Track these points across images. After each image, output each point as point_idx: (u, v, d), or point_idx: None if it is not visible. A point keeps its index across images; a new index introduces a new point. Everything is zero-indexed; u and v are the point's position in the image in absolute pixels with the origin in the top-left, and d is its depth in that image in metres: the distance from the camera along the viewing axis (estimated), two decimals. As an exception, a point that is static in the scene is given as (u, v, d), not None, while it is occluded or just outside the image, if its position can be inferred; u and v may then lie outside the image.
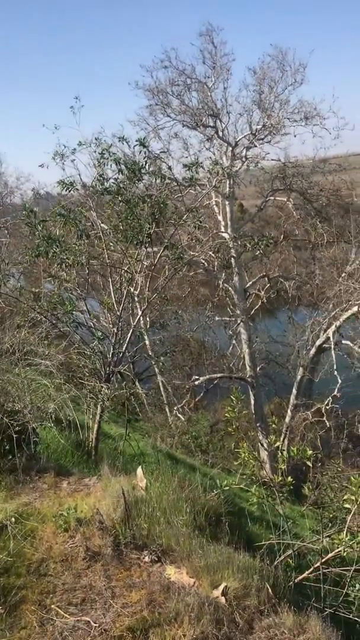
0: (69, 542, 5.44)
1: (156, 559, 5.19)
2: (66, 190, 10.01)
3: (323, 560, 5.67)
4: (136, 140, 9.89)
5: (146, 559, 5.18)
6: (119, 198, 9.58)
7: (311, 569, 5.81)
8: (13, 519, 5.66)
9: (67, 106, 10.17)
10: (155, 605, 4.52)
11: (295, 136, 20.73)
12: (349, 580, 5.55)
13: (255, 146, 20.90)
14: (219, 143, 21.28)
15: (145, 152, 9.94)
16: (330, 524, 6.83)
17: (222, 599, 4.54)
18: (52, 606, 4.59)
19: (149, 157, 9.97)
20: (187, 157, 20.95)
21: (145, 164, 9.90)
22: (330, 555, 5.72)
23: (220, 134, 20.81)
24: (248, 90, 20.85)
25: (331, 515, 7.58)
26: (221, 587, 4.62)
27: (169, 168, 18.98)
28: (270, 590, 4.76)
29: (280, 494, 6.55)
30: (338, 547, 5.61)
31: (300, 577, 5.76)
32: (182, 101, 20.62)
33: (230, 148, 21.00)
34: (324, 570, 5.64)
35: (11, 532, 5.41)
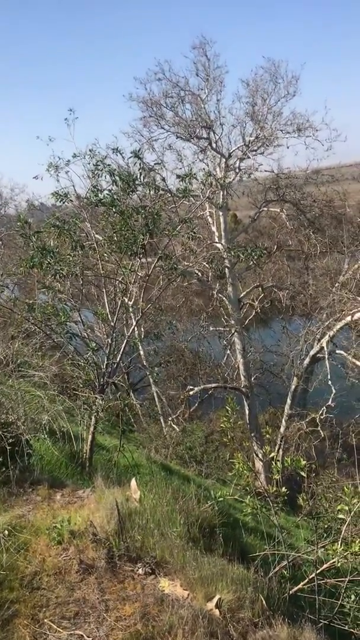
0: (63, 554, 5.41)
1: (150, 571, 5.16)
2: (60, 202, 10.05)
3: (318, 571, 5.65)
4: (131, 152, 9.96)
5: (140, 571, 5.15)
6: (113, 209, 9.61)
7: (306, 580, 5.79)
8: (6, 532, 5.62)
9: (61, 117, 10.26)
10: (149, 619, 4.49)
11: (288, 148, 20.92)
12: (343, 591, 5.54)
13: (249, 157, 21.09)
14: (213, 154, 21.44)
15: (139, 164, 10.00)
16: (325, 535, 6.81)
17: (216, 612, 4.53)
18: (45, 620, 4.55)
19: (143, 169, 10.01)
20: (181, 168, 21.04)
21: (140, 176, 9.95)
22: (325, 566, 5.71)
23: (214, 145, 20.97)
24: (241, 102, 21.12)
25: (326, 526, 7.56)
26: (215, 600, 4.60)
27: (163, 179, 19.05)
28: (264, 602, 4.74)
29: (275, 505, 6.54)
30: (333, 558, 5.61)
31: (295, 589, 5.75)
32: (176, 113, 20.80)
33: (224, 159, 21.15)
34: (319, 582, 5.62)
35: (4, 545, 5.37)
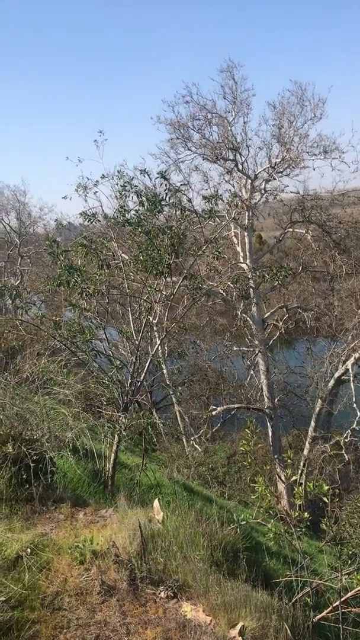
0: (84, 575, 5.38)
1: (172, 594, 5.10)
2: (88, 221, 10.18)
3: (342, 599, 5.52)
4: (157, 173, 10.07)
5: (162, 594, 5.10)
6: (140, 229, 9.70)
7: (330, 608, 5.65)
8: (29, 550, 5.63)
9: (90, 139, 10.45)
10: (170, 644, 4.43)
11: (314, 169, 20.92)
12: (369, 621, 5.40)
13: (275, 179, 21.13)
14: (239, 176, 21.55)
15: (165, 185, 10.10)
16: (349, 561, 6.66)
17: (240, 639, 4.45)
18: (66, 642, 4.52)
19: (169, 190, 10.11)
20: (207, 189, 21.27)
21: (166, 196, 10.04)
22: (349, 594, 5.57)
23: (240, 167, 21.08)
24: (268, 124, 21.25)
25: (350, 552, 7.40)
26: (238, 627, 4.52)
27: (189, 200, 19.20)
28: (289, 631, 4.65)
29: (298, 529, 6.43)
30: (357, 586, 5.47)
31: (319, 617, 5.61)
32: (203, 135, 20.99)
33: (250, 181, 21.24)
34: (344, 610, 5.49)
35: (26, 564, 5.37)
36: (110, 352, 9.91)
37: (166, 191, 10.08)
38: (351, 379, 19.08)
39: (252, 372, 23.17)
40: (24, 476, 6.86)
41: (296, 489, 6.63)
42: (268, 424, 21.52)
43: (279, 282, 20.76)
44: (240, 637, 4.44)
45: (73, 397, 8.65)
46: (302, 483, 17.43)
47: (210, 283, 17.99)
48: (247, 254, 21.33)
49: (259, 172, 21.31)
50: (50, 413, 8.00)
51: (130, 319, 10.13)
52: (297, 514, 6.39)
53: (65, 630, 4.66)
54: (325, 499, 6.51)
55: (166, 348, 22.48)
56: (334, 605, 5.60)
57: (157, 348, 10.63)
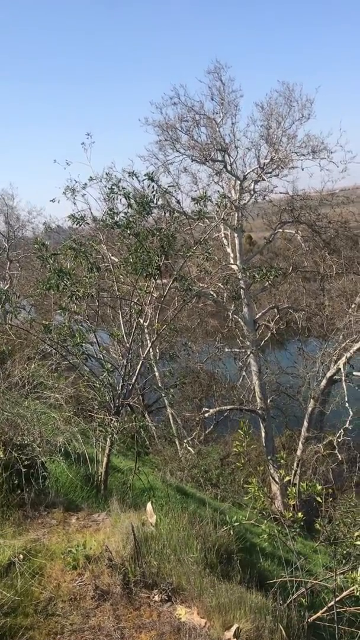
0: (78, 580, 5.34)
1: (166, 598, 5.07)
2: (77, 224, 10.14)
3: (337, 599, 5.51)
4: (145, 175, 10.06)
5: (156, 598, 5.06)
6: (129, 231, 9.68)
7: (325, 608, 5.64)
8: (21, 556, 5.58)
9: (78, 140, 10.43)
10: (165, 648, 4.40)
11: (302, 170, 20.96)
12: (364, 620, 5.39)
13: (264, 180, 21.16)
14: (228, 177, 21.58)
15: (154, 187, 10.08)
16: (343, 561, 6.66)
17: (235, 641, 4.42)
18: (60, 648, 4.48)
19: (157, 191, 10.09)
20: (196, 191, 21.27)
21: (154, 198, 10.02)
22: (344, 594, 5.56)
23: (229, 168, 21.11)
24: (256, 125, 21.26)
25: (344, 552, 7.40)
26: (233, 629, 4.49)
27: (178, 202, 19.23)
28: (283, 632, 4.63)
29: (292, 530, 6.42)
30: (352, 585, 5.46)
31: (314, 617, 5.60)
32: (191, 136, 21.00)
33: (239, 182, 21.27)
34: (339, 610, 5.47)
35: (19, 570, 5.32)
36: (101, 356, 9.86)
37: (154, 193, 10.06)
38: (343, 378, 19.11)
39: (244, 373, 23.17)
40: (16, 482, 6.81)
41: (290, 490, 6.61)
42: (261, 424, 21.53)
43: (270, 282, 20.82)
44: (235, 639, 4.42)
45: (64, 401, 8.61)
46: (295, 483, 17.43)
47: (201, 284, 18.01)
48: (237, 254, 21.35)
49: (248, 173, 21.34)
50: (41, 417, 7.96)
51: (121, 322, 10.09)
52: (291, 514, 6.38)
53: (59, 636, 4.62)
54: (318, 498, 6.50)
55: (157, 350, 22.45)
56: (329, 605, 5.59)
57: (149, 350, 10.59)
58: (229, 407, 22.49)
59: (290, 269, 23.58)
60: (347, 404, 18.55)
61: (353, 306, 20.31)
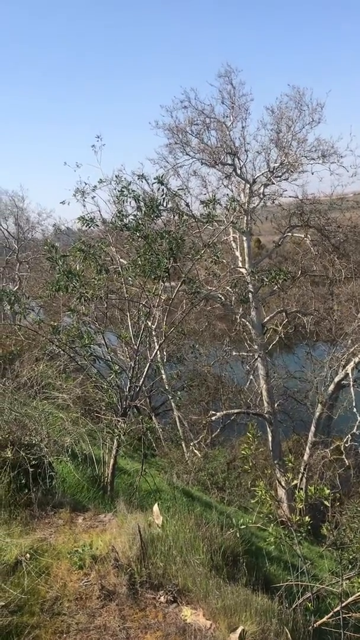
0: (84, 580, 5.35)
1: (172, 599, 5.07)
2: (86, 226, 10.19)
3: (343, 604, 5.50)
4: (154, 178, 10.09)
5: (162, 599, 5.07)
6: (138, 234, 9.71)
7: (330, 614, 5.63)
8: (28, 555, 5.60)
9: (88, 144, 10.48)
10: (170, 649, 4.40)
11: (312, 174, 20.90)
12: (370, 626, 5.38)
13: (273, 183, 21.13)
14: (237, 180, 21.57)
15: (163, 190, 10.11)
16: (350, 566, 6.64)
17: (240, 644, 4.42)
18: (66, 647, 4.49)
19: (166, 194, 10.12)
20: (205, 194, 21.27)
21: (164, 201, 10.05)
22: (350, 599, 5.55)
23: (239, 171, 21.10)
24: (266, 129, 21.24)
25: (351, 557, 7.37)
26: (239, 631, 4.49)
27: (187, 205, 19.25)
28: (289, 635, 4.62)
29: (298, 534, 6.41)
30: (358, 591, 5.45)
31: (320, 622, 5.59)
32: (201, 140, 21.00)
33: (248, 185, 21.25)
34: (344, 615, 5.46)
35: (26, 569, 5.34)
36: (109, 357, 9.90)
37: (163, 196, 10.09)
38: (351, 383, 19.04)
39: (251, 376, 23.12)
40: (23, 481, 6.84)
41: (297, 493, 6.60)
42: (268, 429, 21.46)
43: (278, 286, 20.78)
44: (240, 641, 4.42)
45: (72, 402, 8.64)
46: (302, 488, 17.38)
47: (209, 287, 17.98)
48: (246, 258, 21.32)
49: (258, 177, 21.33)
50: (49, 418, 7.99)
51: (129, 324, 10.12)
52: (297, 518, 6.37)
53: (65, 635, 4.63)
54: (326, 502, 6.49)
55: (165, 353, 22.45)
56: (335, 610, 5.58)
57: (156, 353, 10.62)
58: (236, 410, 22.44)
59: (299, 272, 23.53)
60: (354, 409, 18.48)
61: (362, 311, 20.24)
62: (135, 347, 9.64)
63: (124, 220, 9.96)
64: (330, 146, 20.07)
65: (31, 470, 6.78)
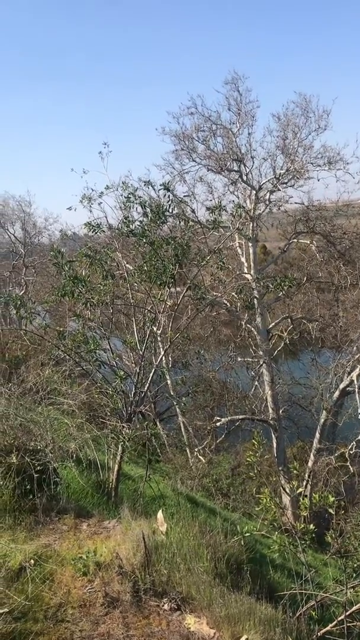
0: (88, 586, 5.35)
1: (176, 607, 5.06)
2: (93, 232, 10.23)
3: (347, 613, 5.47)
4: (161, 185, 10.13)
5: (166, 606, 5.06)
6: (144, 240, 9.75)
7: (335, 622, 5.60)
8: (32, 561, 5.60)
9: (95, 149, 10.54)
10: (174, 657, 4.39)
11: (318, 180, 20.86)
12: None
13: (279, 190, 21.15)
14: (243, 187, 21.60)
15: (169, 196, 10.15)
16: (354, 574, 6.60)
17: (244, 652, 4.40)
18: (69, 654, 4.48)
19: (172, 201, 10.15)
20: (211, 200, 21.29)
21: (169, 207, 10.09)
22: (355, 608, 5.52)
23: (245, 178, 21.13)
24: (272, 135, 21.25)
25: (355, 565, 7.33)
26: (242, 640, 4.48)
27: (193, 211, 19.28)
28: (293, 644, 4.60)
29: (303, 542, 6.39)
30: (363, 600, 5.43)
31: (324, 630, 5.56)
32: (208, 146, 21.05)
33: (254, 192, 21.28)
34: (349, 624, 5.43)
35: (30, 575, 5.35)
36: (114, 363, 9.91)
37: (169, 202, 10.13)
38: (356, 390, 18.96)
39: (256, 382, 23.09)
40: (28, 487, 6.85)
41: (301, 501, 6.58)
42: (272, 435, 21.42)
43: (284, 292, 20.76)
44: (244, 651, 4.40)
45: (77, 408, 8.65)
46: (306, 495, 17.31)
47: (215, 293, 18.02)
48: (252, 264, 21.34)
49: (264, 183, 21.35)
50: (54, 423, 8.00)
51: (134, 329, 10.14)
52: (302, 526, 6.34)
53: (68, 643, 4.62)
54: (331, 510, 6.46)
55: (170, 358, 22.47)
56: (339, 619, 5.55)
57: (161, 358, 10.63)
58: (240, 416, 22.40)
59: (305, 279, 23.50)
60: (359, 416, 18.42)
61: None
62: (141, 352, 9.66)
63: (130, 226, 10.00)
64: (336, 153, 20.10)
65: (36, 476, 6.79)
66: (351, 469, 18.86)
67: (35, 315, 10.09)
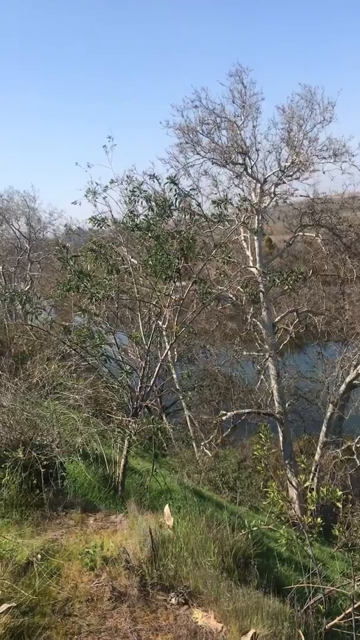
0: (95, 581, 5.35)
1: (183, 601, 5.06)
2: (98, 226, 10.20)
3: (355, 606, 5.46)
4: (167, 178, 10.06)
5: (173, 601, 5.06)
6: (149, 234, 9.70)
7: (342, 615, 5.59)
8: (39, 556, 5.61)
9: (100, 143, 10.49)
10: (181, 651, 4.39)
11: (324, 173, 20.75)
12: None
13: (284, 183, 21.04)
14: (248, 180, 21.49)
15: (175, 190, 10.08)
16: (362, 567, 6.58)
17: (252, 647, 4.39)
18: (77, 648, 4.49)
19: (178, 194, 10.09)
20: (216, 193, 21.14)
21: (175, 201, 10.03)
22: (362, 601, 5.50)
23: (249, 171, 21.02)
24: (277, 128, 21.12)
25: (363, 558, 7.31)
26: (250, 634, 4.47)
27: (198, 204, 19.18)
28: (302, 638, 4.59)
29: (310, 535, 6.37)
30: (370, 593, 5.41)
31: (332, 624, 5.55)
32: (212, 139, 20.95)
33: (259, 185, 21.17)
34: (356, 617, 5.42)
35: (37, 570, 5.35)
36: (119, 357, 9.90)
37: (175, 196, 10.07)
38: (362, 383, 18.96)
39: (262, 376, 23.07)
40: (34, 482, 6.85)
41: (309, 494, 6.56)
42: (279, 429, 21.39)
43: (289, 286, 20.68)
44: (252, 645, 4.39)
45: (83, 402, 8.64)
46: (313, 488, 17.30)
47: (220, 287, 17.93)
48: (257, 258, 21.26)
49: (269, 176, 21.23)
50: (60, 418, 7.99)
51: (140, 324, 10.12)
52: (309, 519, 6.33)
53: (76, 637, 4.63)
54: (338, 504, 6.44)
55: (176, 353, 22.47)
56: (347, 612, 5.54)
57: (167, 353, 10.61)
58: (246, 410, 22.39)
59: (310, 272, 23.40)
60: (366, 409, 18.41)
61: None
62: (146, 347, 9.64)
63: (135, 220, 9.96)
64: (341, 145, 19.98)
65: (42, 470, 6.79)
66: (358, 462, 18.86)
67: (40, 311, 10.09)
